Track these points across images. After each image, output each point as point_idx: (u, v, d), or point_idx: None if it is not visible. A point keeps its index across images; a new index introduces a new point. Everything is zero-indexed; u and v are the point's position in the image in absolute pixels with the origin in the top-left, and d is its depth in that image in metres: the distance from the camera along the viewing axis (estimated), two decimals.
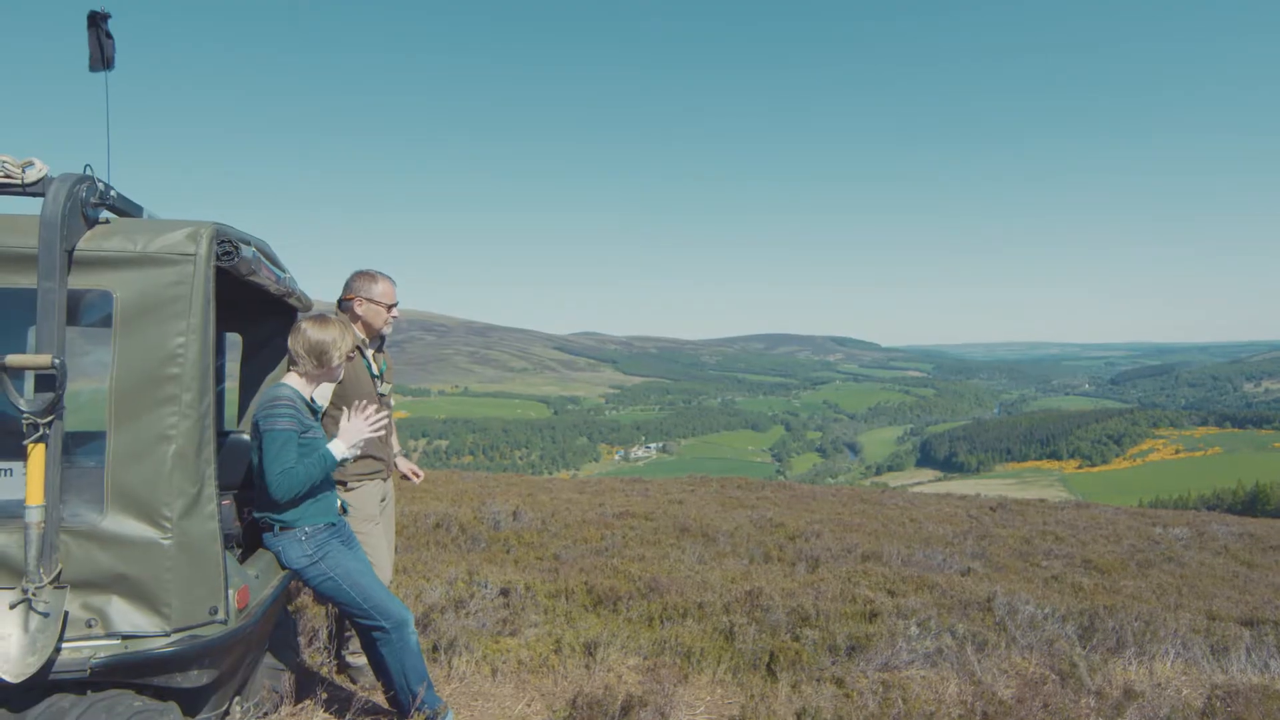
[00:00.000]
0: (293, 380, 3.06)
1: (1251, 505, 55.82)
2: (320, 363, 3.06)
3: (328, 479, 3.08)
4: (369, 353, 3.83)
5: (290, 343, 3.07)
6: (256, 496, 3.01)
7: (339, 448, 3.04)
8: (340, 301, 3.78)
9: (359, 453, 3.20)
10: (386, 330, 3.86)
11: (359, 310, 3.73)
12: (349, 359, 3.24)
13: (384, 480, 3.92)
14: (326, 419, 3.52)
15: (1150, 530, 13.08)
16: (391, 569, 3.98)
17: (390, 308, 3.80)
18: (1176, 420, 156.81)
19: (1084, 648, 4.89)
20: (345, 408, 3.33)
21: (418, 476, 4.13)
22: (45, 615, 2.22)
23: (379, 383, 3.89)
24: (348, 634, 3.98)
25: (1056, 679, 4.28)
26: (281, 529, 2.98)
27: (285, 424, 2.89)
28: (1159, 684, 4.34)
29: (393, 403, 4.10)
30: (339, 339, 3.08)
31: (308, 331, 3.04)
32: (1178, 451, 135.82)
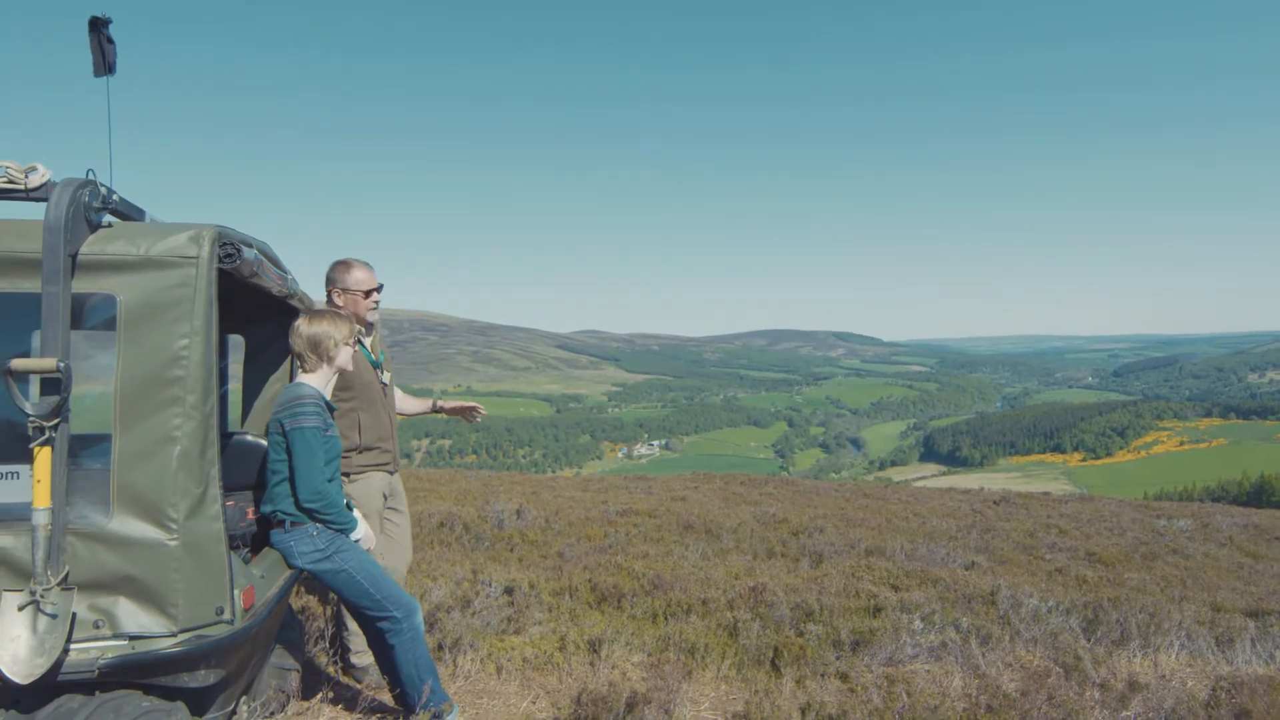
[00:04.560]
0: (310, 379, 3.10)
1: (1257, 496, 55.73)
2: (320, 355, 3.09)
3: (337, 474, 3.11)
4: (367, 341, 3.83)
5: (291, 344, 3.10)
6: (267, 493, 3.03)
7: (360, 529, 3.16)
8: (328, 297, 3.82)
9: (362, 535, 3.24)
10: (371, 317, 3.84)
11: (338, 301, 3.74)
12: (349, 346, 3.24)
13: (390, 473, 3.92)
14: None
15: (1154, 522, 13.07)
16: (410, 555, 4.07)
17: (368, 293, 3.78)
18: (1180, 412, 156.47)
19: (1088, 640, 4.90)
20: (354, 397, 3.52)
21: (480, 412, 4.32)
22: (53, 617, 2.24)
23: (380, 372, 3.90)
24: (352, 632, 3.99)
25: (1061, 672, 4.29)
26: (293, 524, 3.00)
27: (313, 421, 2.93)
28: (1164, 676, 4.34)
29: (395, 391, 4.14)
30: (332, 329, 3.11)
31: (301, 328, 3.08)
32: (1182, 443, 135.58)
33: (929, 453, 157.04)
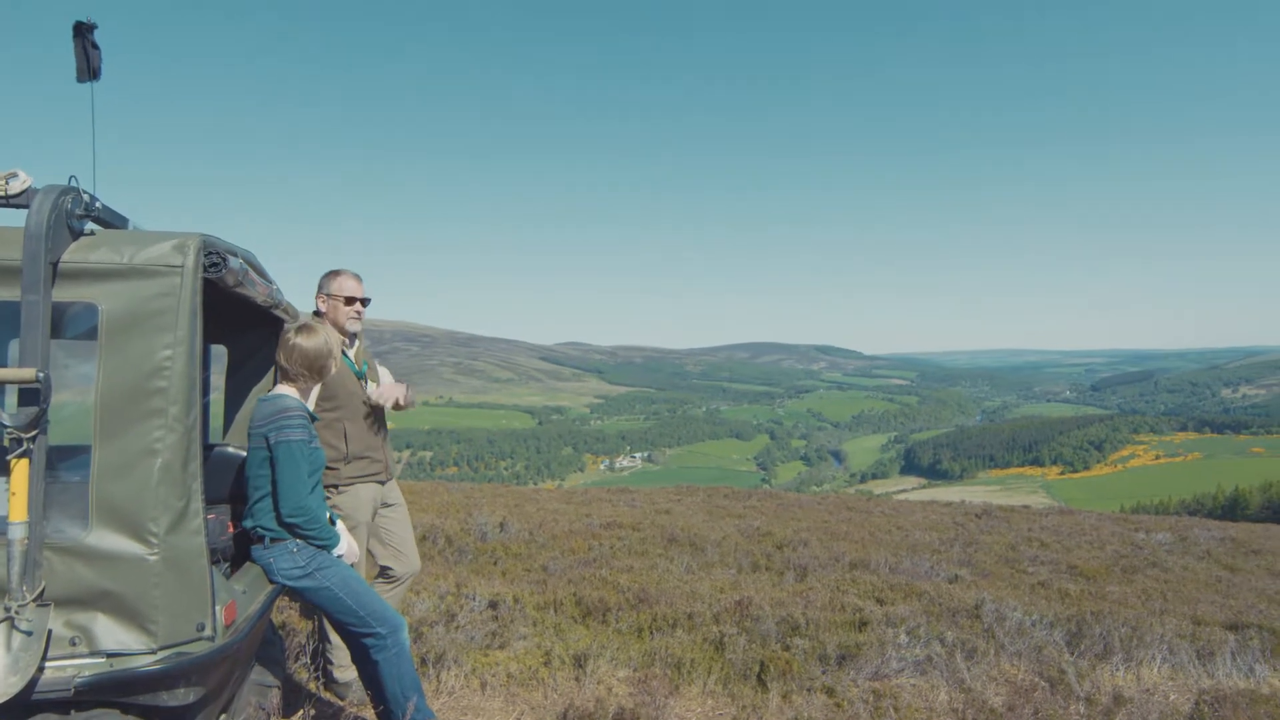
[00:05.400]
0: (292, 390, 3.05)
1: (1231, 510, 56.39)
2: (317, 374, 3.06)
3: (319, 486, 3.06)
4: (350, 352, 3.81)
5: (281, 357, 3.04)
6: (247, 507, 2.98)
7: (342, 545, 3.10)
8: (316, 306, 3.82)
9: (345, 550, 3.19)
10: (352, 327, 3.82)
11: (322, 308, 3.76)
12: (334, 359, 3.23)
13: (380, 484, 3.88)
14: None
15: (1133, 536, 13.19)
16: (416, 564, 4.07)
17: (349, 302, 3.77)
18: (1156, 426, 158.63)
19: (1072, 654, 4.92)
20: (339, 408, 3.52)
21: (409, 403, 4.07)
22: (28, 634, 2.17)
23: (364, 382, 3.86)
24: (335, 647, 3.93)
25: (1046, 686, 4.30)
26: (273, 540, 2.95)
27: (299, 435, 2.91)
28: (1147, 689, 4.37)
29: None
30: (332, 346, 3.08)
31: (300, 344, 3.02)
32: (1158, 457, 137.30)
33: (910, 465, 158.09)
